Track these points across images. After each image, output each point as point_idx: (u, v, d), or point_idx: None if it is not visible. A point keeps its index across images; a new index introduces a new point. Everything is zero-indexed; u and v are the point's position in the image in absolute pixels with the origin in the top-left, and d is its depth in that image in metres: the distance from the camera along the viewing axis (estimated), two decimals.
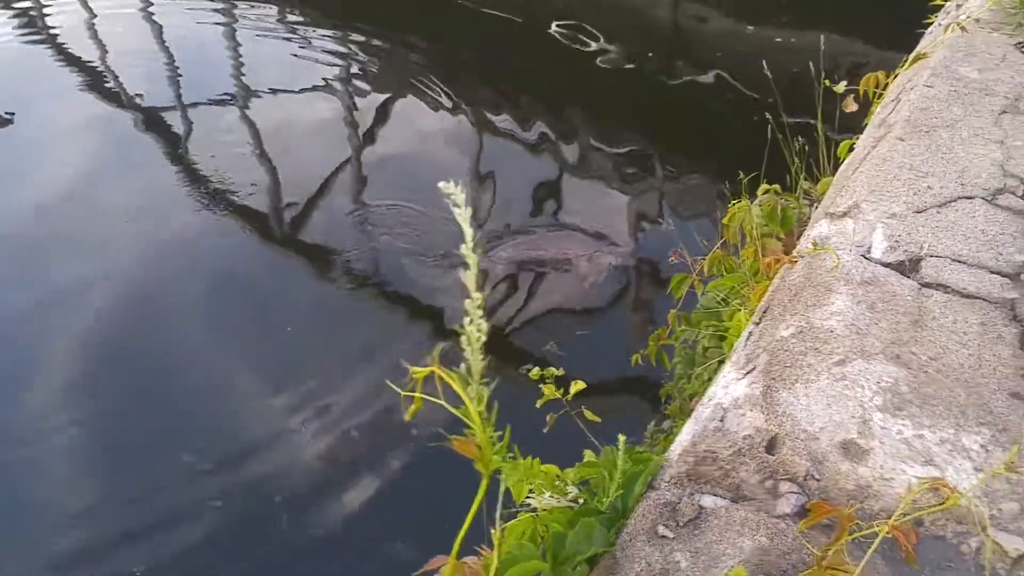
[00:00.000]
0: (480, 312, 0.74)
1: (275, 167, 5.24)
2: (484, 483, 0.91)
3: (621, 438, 1.29)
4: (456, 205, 0.68)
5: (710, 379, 2.68)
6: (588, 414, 2.37)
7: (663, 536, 1.23)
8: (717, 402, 1.44)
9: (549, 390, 2.30)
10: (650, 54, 6.46)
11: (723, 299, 2.76)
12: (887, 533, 1.10)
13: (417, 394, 0.83)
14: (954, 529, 1.20)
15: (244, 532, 3.23)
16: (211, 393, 3.79)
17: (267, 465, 3.43)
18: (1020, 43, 2.59)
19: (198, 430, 3.57)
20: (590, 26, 6.68)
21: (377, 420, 3.60)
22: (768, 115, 2.74)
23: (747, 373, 1.47)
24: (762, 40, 6.41)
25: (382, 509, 3.31)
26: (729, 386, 1.48)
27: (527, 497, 1.32)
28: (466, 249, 0.69)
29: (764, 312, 1.66)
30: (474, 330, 0.74)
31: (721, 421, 1.38)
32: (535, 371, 2.38)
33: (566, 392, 2.23)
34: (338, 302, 4.34)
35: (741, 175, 2.45)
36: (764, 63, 2.80)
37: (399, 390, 0.85)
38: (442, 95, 5.99)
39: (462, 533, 0.96)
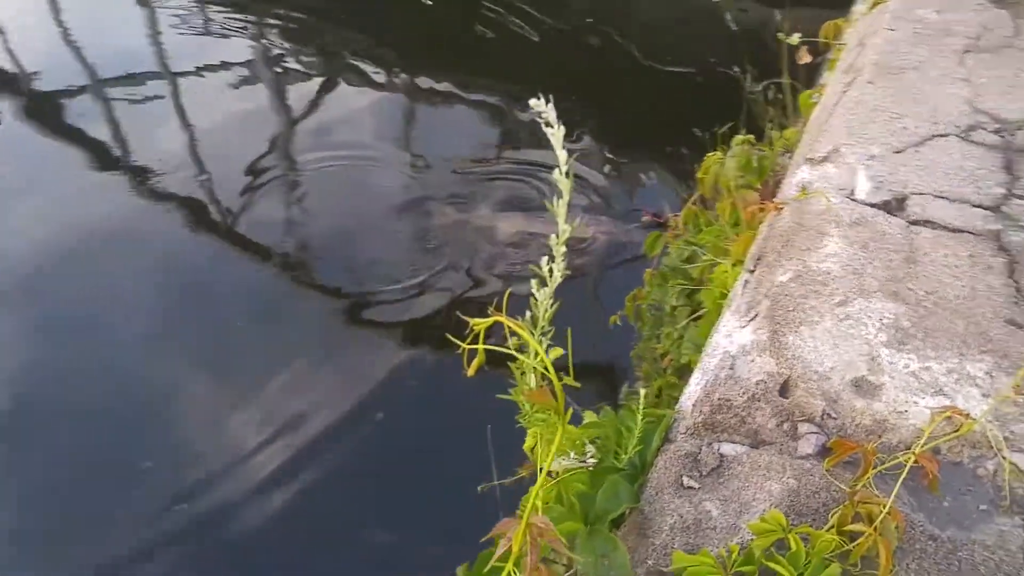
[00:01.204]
0: (563, 250, 0.71)
1: (201, 153, 5.01)
2: (559, 433, 0.88)
3: (642, 391, 1.28)
4: (548, 124, 0.64)
5: (680, 337, 2.70)
6: (567, 379, 2.37)
7: (689, 487, 1.22)
8: (724, 350, 1.44)
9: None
10: (589, 20, 6.39)
11: (687, 258, 2.77)
12: (913, 463, 1.11)
13: (480, 346, 0.80)
14: (970, 454, 1.22)
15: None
16: (160, 407, 3.62)
17: (232, 492, 3.27)
18: None
19: (149, 451, 3.39)
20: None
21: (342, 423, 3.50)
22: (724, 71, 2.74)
23: (751, 320, 1.47)
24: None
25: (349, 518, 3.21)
26: (733, 334, 1.48)
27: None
28: (559, 174, 0.66)
29: (758, 260, 1.66)
30: (555, 269, 0.70)
31: (731, 369, 1.38)
32: (513, 340, 2.35)
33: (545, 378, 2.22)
34: (281, 291, 4.18)
35: (698, 131, 2.44)
36: (728, 16, 2.78)
37: (460, 343, 0.81)
38: (373, 71, 5.80)
39: (537, 487, 0.92)
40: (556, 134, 0.65)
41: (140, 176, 4.84)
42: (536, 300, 0.73)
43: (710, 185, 2.32)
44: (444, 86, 5.68)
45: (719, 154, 2.26)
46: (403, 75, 5.87)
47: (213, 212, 4.65)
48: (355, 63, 5.96)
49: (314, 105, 5.54)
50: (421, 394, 3.69)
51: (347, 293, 4.11)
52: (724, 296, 2.07)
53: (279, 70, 5.92)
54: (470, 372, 0.84)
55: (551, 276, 0.71)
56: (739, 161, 2.22)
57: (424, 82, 5.75)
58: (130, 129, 5.32)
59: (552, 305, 0.73)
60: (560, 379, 0.81)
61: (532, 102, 0.66)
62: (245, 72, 5.89)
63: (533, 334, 0.74)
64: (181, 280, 4.21)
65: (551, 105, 0.65)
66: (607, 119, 5.24)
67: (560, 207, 0.67)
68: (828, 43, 2.82)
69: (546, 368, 0.80)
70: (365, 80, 5.81)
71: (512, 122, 5.33)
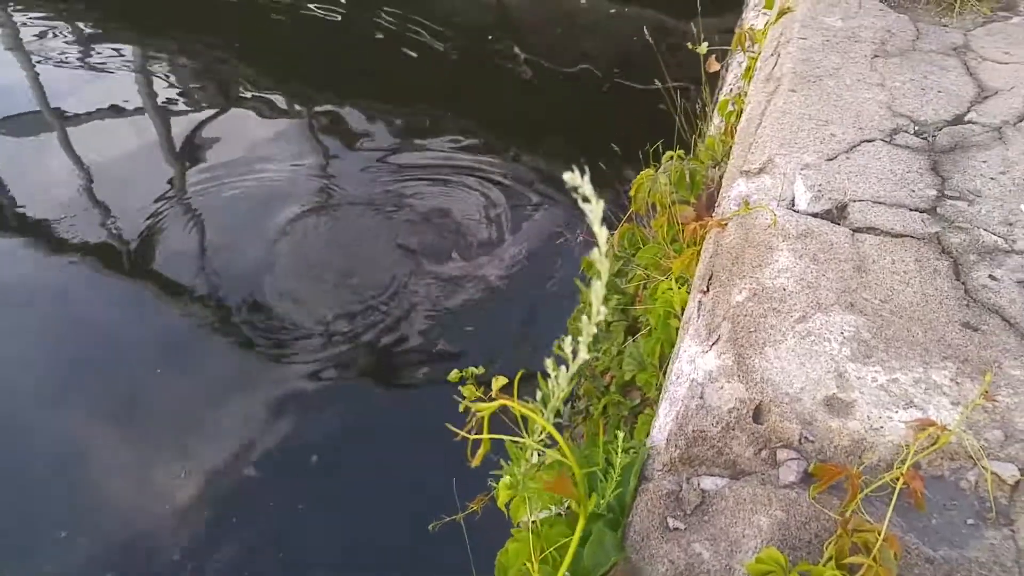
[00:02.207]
0: (593, 331, 0.62)
1: (95, 196, 4.71)
2: (580, 524, 0.79)
3: (620, 435, 1.21)
4: (585, 200, 0.56)
5: (620, 352, 2.67)
6: (515, 407, 2.30)
7: (675, 529, 1.16)
8: (691, 378, 1.38)
9: (469, 391, 2.20)
10: (489, 37, 6.37)
11: (618, 272, 2.75)
12: (901, 485, 1.08)
13: (485, 436, 0.70)
14: (950, 466, 1.20)
15: None
16: (69, 466, 3.34)
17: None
18: None
19: (63, 519, 3.11)
20: (424, 19, 6.48)
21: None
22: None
23: (713, 344, 1.43)
24: (598, 12, 6.47)
25: None
26: (696, 360, 1.44)
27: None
28: (598, 253, 0.58)
29: (709, 279, 1.63)
30: (580, 351, 0.62)
31: (701, 398, 1.33)
32: (454, 373, 2.27)
33: (488, 390, 2.15)
34: (193, 334, 3.96)
35: (615, 148, 2.42)
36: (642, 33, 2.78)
37: (462, 433, 0.72)
38: (267, 100, 5.61)
39: None
40: (595, 210, 0.58)
41: (30, 222, 4.52)
42: (550, 379, 0.65)
43: (643, 202, 2.30)
44: (346, 110, 5.54)
45: (651, 171, 2.24)
46: (302, 100, 5.69)
47: (112, 255, 4.37)
48: (256, 93, 5.75)
49: (210, 136, 5.31)
50: (356, 431, 3.54)
51: (261, 329, 3.92)
52: (671, 315, 2.04)
53: (171, 104, 5.64)
54: (474, 463, 0.74)
55: (574, 358, 0.63)
56: (672, 176, 2.20)
57: (325, 105, 5.60)
58: (15, 171, 4.97)
59: (570, 383, 0.65)
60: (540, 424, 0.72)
61: (567, 176, 0.58)
62: (132, 109, 5.60)
63: (543, 413, 0.66)
64: (82, 330, 3.93)
65: (587, 178, 0.57)
66: (514, 130, 5.22)
67: (598, 289, 0.59)
68: (744, 50, 2.86)
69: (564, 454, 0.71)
70: (268, 108, 5.61)
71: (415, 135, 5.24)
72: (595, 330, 0.63)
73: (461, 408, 2.25)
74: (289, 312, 3.93)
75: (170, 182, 4.82)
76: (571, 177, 0.58)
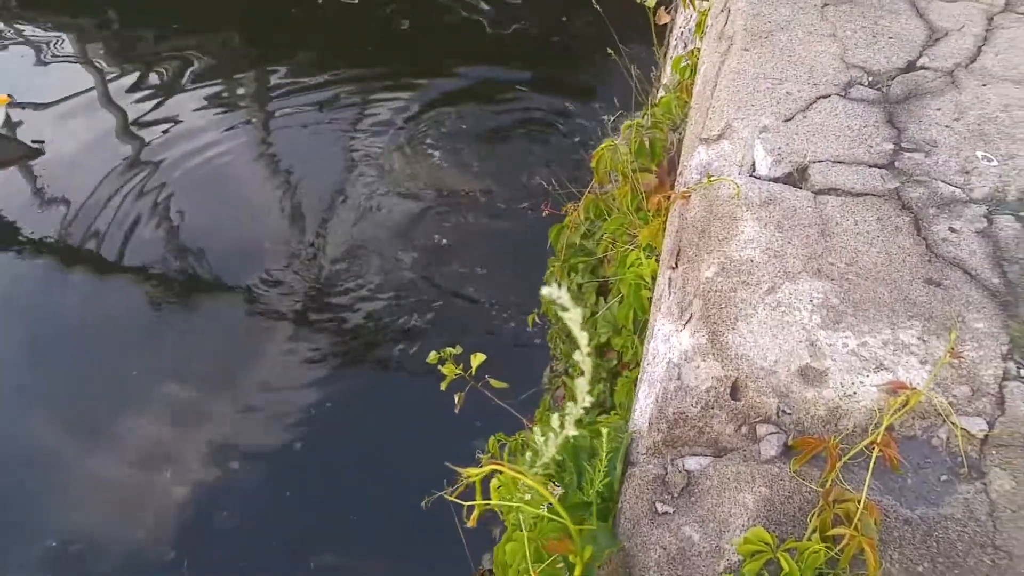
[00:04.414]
0: (581, 414, 0.63)
1: (60, 194, 4.61)
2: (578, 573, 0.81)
3: (604, 431, 1.23)
4: (564, 309, 0.56)
5: (593, 314, 2.70)
6: (494, 382, 2.32)
7: (664, 513, 1.19)
8: (667, 359, 1.41)
9: (449, 370, 2.22)
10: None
11: (585, 233, 2.77)
12: (878, 453, 1.12)
13: (478, 502, 0.71)
14: (920, 425, 1.25)
15: None
16: (44, 466, 3.33)
17: None
18: None
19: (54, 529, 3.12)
20: None
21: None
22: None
23: (686, 323, 1.45)
24: None
25: None
26: (671, 338, 1.46)
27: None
28: (580, 355, 0.58)
29: (677, 254, 1.64)
30: (567, 424, 0.63)
31: (679, 379, 1.35)
32: (432, 355, 2.28)
33: (467, 368, 2.17)
34: (164, 321, 3.93)
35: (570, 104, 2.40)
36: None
37: (454, 499, 0.73)
38: (222, 88, 5.47)
39: None
40: (573, 316, 0.58)
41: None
42: (539, 441, 0.66)
43: (605, 173, 2.30)
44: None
45: (610, 141, 2.23)
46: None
47: (74, 246, 4.30)
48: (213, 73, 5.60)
49: (162, 119, 5.18)
50: (341, 418, 3.55)
51: (240, 300, 3.91)
52: (642, 286, 2.06)
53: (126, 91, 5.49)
54: (470, 523, 0.76)
55: (561, 428, 0.64)
56: (632, 146, 2.19)
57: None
58: None
59: (558, 443, 0.65)
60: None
61: (545, 291, 0.59)
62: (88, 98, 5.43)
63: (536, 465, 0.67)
64: (51, 327, 3.88)
65: (564, 289, 0.57)
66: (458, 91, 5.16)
67: (581, 385, 0.60)
68: (691, 3, 2.84)
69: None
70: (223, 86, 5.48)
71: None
72: (581, 412, 0.64)
73: (443, 386, 2.26)
74: (256, 298, 3.90)
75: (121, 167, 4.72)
76: (549, 291, 0.59)
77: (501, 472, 0.74)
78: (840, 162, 1.72)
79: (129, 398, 3.54)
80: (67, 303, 4.03)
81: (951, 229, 1.54)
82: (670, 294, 1.57)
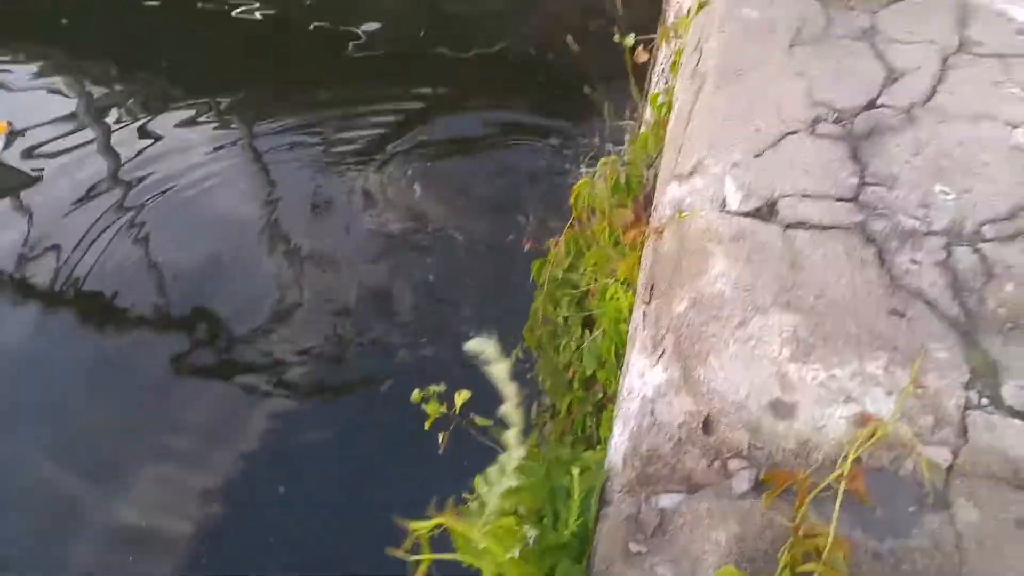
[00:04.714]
0: (512, 484, 0.65)
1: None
2: None
3: (574, 471, 1.24)
4: (489, 361, 0.58)
5: (579, 348, 2.72)
6: (479, 420, 2.33)
7: (637, 553, 1.20)
8: (641, 394, 1.43)
9: (433, 408, 2.23)
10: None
11: (568, 266, 2.80)
12: (846, 486, 1.14)
13: (425, 556, 0.73)
14: (888, 456, 1.27)
15: None
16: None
17: None
18: None
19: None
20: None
21: None
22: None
23: (659, 358, 1.47)
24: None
25: None
26: (645, 374, 1.48)
27: None
28: (509, 406, 0.60)
29: (651, 289, 1.67)
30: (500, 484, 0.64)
31: (652, 415, 1.37)
32: (416, 394, 2.29)
33: (451, 406, 2.18)
34: (133, 353, 3.91)
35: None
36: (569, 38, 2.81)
37: (402, 555, 0.74)
38: (200, 107, 5.52)
39: None
40: (499, 369, 0.60)
41: None
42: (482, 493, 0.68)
43: (583, 208, 2.34)
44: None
45: (588, 178, 2.27)
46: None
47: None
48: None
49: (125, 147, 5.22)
50: (325, 459, 3.54)
51: (205, 342, 3.90)
52: (621, 319, 2.09)
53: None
54: None
55: (492, 489, 0.66)
56: (609, 182, 2.24)
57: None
58: None
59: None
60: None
61: (470, 344, 0.61)
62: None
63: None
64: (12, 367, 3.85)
65: (493, 341, 0.60)
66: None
67: (513, 434, 0.62)
68: (669, 42, 2.91)
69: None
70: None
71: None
72: (514, 483, 0.66)
73: (427, 425, 2.26)
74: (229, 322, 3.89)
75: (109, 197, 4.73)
76: (474, 344, 0.61)
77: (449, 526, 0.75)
78: (808, 196, 1.76)
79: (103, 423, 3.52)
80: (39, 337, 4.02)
81: (912, 261, 1.57)
82: (644, 328, 1.60)
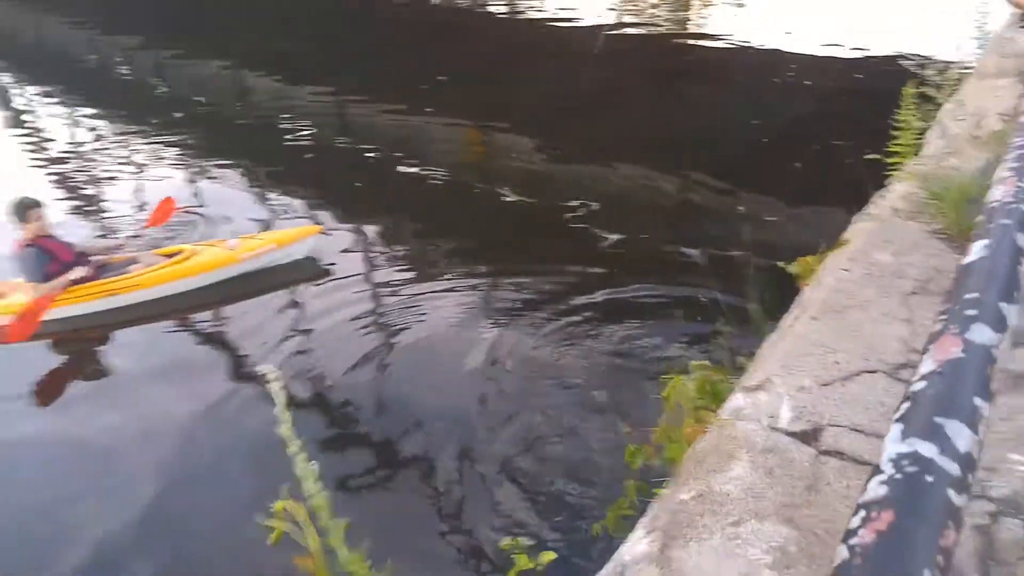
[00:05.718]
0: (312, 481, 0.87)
1: None
2: None
3: None
4: (274, 389, 0.83)
5: None
6: None
7: None
8: (620, 559, 1.52)
9: (522, 560, 2.36)
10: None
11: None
12: None
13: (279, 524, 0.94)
14: None
15: None
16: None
17: None
18: (935, 230, 2.85)
19: None
20: None
21: None
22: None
23: (649, 533, 1.56)
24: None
25: None
26: (635, 545, 1.57)
27: None
28: (285, 429, 0.84)
29: (674, 479, 1.77)
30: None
31: None
32: (506, 541, 2.46)
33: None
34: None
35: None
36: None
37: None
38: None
39: None
40: (280, 399, 0.84)
41: None
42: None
43: (673, 404, 2.46)
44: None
45: (680, 377, 2.42)
46: None
47: None
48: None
49: None
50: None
51: None
52: None
53: None
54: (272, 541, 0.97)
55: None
56: (697, 385, 2.36)
57: None
58: None
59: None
60: None
61: (261, 368, 0.86)
62: None
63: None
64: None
65: (279, 372, 0.84)
66: None
67: (303, 470, 0.85)
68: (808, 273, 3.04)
69: None
70: None
71: None
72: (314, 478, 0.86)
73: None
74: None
75: None
76: (265, 369, 0.84)
77: None
78: (858, 431, 1.79)
79: None
80: None
81: None
82: (652, 509, 1.69)
